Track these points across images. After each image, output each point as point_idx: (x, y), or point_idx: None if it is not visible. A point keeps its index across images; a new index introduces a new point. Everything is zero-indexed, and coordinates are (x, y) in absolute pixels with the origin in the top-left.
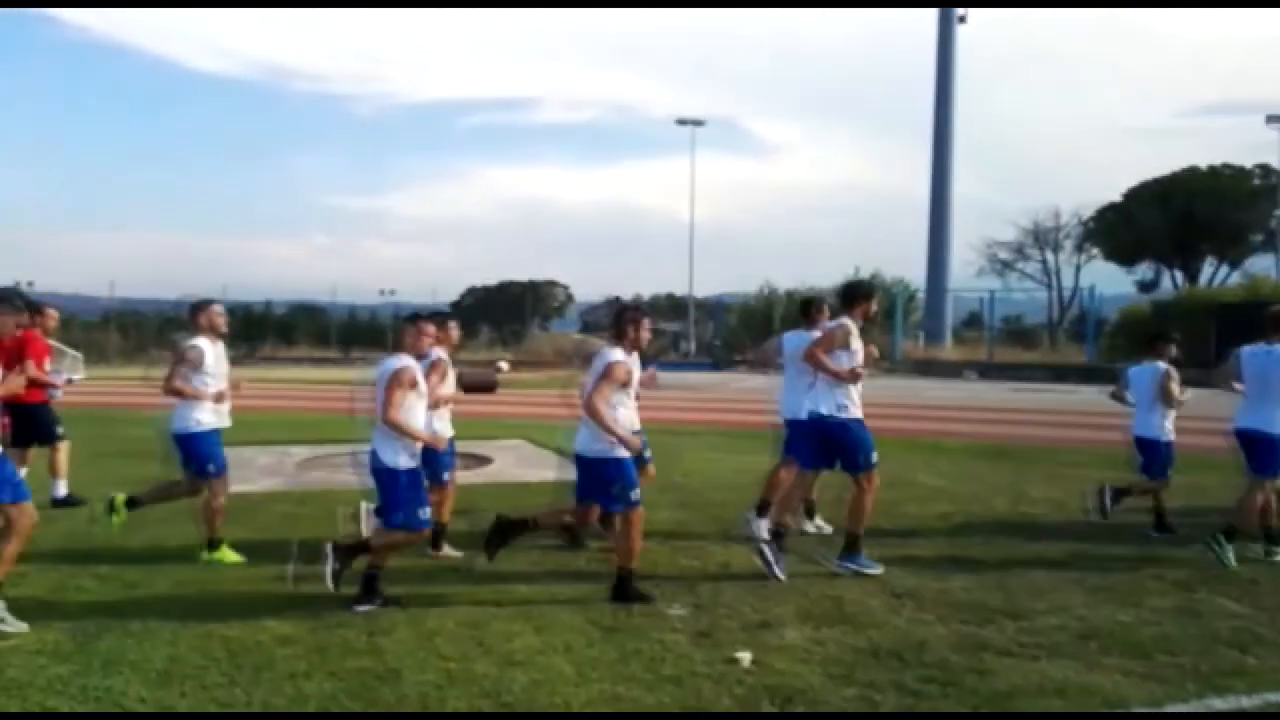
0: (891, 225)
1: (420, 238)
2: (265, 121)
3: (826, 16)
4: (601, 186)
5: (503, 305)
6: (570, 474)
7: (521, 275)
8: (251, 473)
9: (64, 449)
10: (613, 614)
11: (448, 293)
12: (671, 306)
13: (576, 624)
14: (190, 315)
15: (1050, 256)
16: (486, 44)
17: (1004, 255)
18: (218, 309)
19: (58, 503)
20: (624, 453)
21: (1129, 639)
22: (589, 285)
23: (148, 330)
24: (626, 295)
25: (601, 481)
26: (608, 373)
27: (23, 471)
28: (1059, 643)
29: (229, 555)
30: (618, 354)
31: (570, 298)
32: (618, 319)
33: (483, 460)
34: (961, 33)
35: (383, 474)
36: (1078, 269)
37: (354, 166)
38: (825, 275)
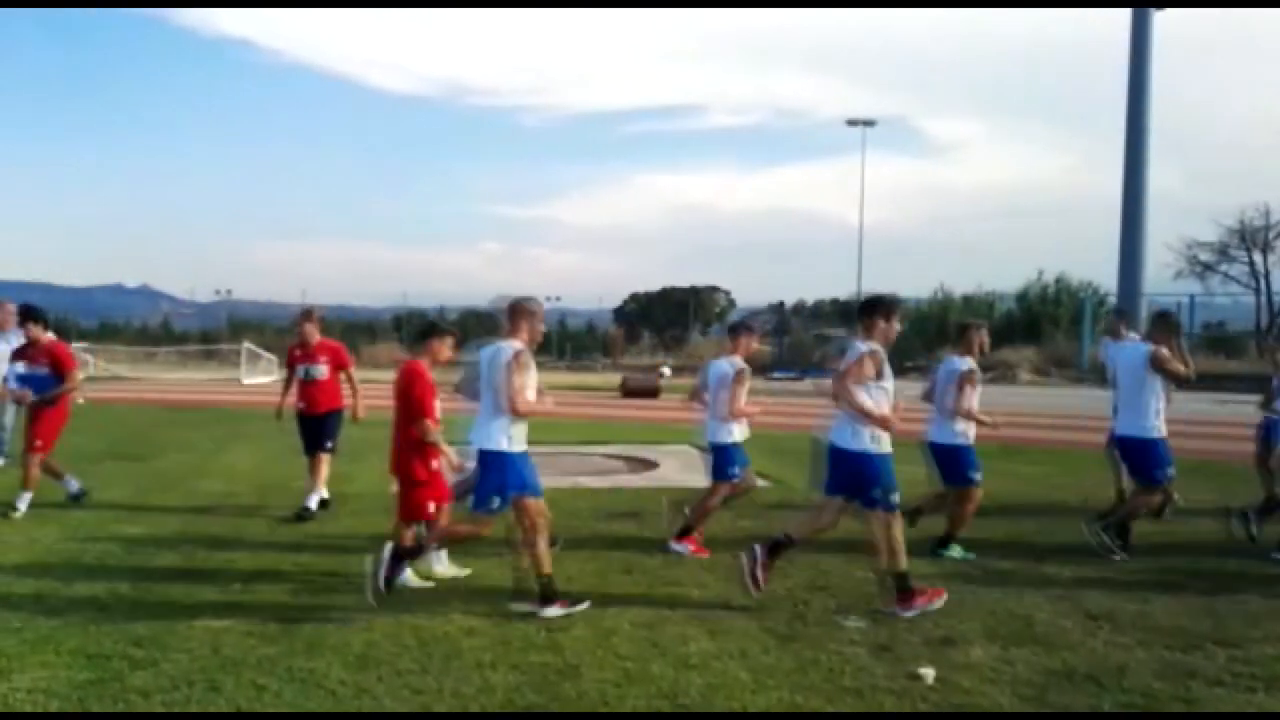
0: (1078, 226)
1: (585, 245)
2: (441, 135)
3: (1005, 11)
4: (765, 191)
5: (665, 311)
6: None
7: (683, 281)
8: None
9: (327, 460)
10: (788, 623)
11: (612, 299)
12: (836, 312)
13: (751, 630)
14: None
15: (1259, 258)
16: (653, 53)
17: (1205, 257)
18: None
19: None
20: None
21: None
22: (751, 290)
23: (341, 336)
24: (790, 300)
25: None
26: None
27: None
28: (1278, 674)
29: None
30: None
31: (732, 303)
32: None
33: (649, 464)
34: (1157, 19)
35: None
36: None
37: (522, 176)
38: (1006, 279)
